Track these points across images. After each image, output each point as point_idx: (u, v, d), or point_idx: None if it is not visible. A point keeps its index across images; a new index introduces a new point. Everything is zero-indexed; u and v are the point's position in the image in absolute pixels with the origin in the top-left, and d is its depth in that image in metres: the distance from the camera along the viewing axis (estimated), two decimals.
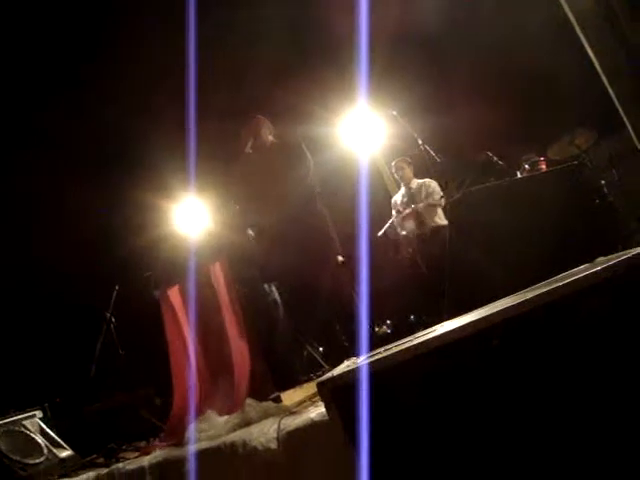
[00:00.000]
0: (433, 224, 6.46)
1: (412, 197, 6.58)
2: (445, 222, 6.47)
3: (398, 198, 6.79)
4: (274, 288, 5.70)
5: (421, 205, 6.47)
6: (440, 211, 6.50)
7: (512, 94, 7.29)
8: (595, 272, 1.56)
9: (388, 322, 6.48)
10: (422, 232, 6.45)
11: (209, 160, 5.87)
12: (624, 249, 2.20)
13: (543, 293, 1.60)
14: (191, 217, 6.25)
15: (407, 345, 1.62)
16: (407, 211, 6.48)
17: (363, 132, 6.45)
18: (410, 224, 6.54)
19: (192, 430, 3.51)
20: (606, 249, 2.35)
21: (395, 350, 1.60)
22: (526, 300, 1.61)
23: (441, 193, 6.51)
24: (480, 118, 6.97)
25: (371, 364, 1.54)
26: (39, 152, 6.99)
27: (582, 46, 3.96)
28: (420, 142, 5.66)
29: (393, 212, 6.77)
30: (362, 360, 1.64)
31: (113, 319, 5.12)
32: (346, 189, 4.80)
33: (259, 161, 4.93)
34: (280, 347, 5.40)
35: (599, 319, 1.49)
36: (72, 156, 7.18)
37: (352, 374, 1.54)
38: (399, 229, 6.65)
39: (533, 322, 1.57)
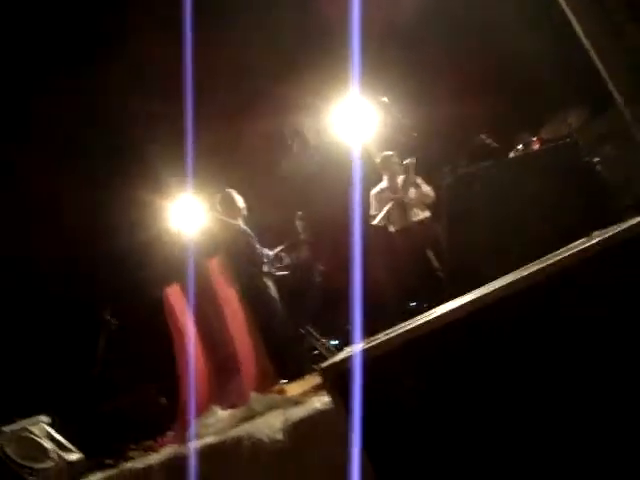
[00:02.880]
0: (415, 217, 6.41)
1: (397, 191, 6.50)
2: (428, 214, 6.45)
3: (380, 190, 6.67)
4: (271, 283, 5.72)
5: (412, 196, 6.42)
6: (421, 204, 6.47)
7: (503, 78, 7.30)
8: (589, 245, 1.57)
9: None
10: (407, 224, 6.40)
11: (206, 156, 5.88)
12: (619, 223, 2.19)
13: (536, 270, 1.60)
14: (186, 214, 6.24)
15: (404, 329, 1.62)
16: (389, 205, 6.43)
17: (355, 120, 6.43)
18: (396, 216, 6.50)
19: (197, 425, 3.53)
20: (602, 224, 2.36)
21: (394, 334, 1.61)
22: (520, 278, 1.62)
23: (430, 190, 6.46)
24: (472, 104, 6.97)
25: (369, 349, 1.55)
26: (32, 146, 6.95)
27: (571, 25, 3.97)
28: (410, 129, 5.65)
29: (373, 202, 6.65)
30: (361, 345, 1.65)
31: (113, 320, 5.13)
32: (339, 178, 4.80)
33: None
34: (281, 340, 5.43)
35: (595, 292, 1.50)
36: (66, 152, 7.14)
37: (352, 359, 1.54)
38: (382, 220, 6.54)
39: (528, 300, 1.58)
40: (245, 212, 5.85)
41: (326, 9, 6.63)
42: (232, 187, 6.00)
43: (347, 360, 1.53)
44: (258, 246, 5.79)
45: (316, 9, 7.10)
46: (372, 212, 6.62)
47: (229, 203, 5.81)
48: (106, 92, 7.25)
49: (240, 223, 5.76)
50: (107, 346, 5.13)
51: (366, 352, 1.54)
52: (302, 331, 5.94)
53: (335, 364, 1.55)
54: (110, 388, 5.32)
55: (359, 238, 4.08)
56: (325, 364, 1.60)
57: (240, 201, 5.85)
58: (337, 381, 1.53)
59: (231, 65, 7.37)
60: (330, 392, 1.57)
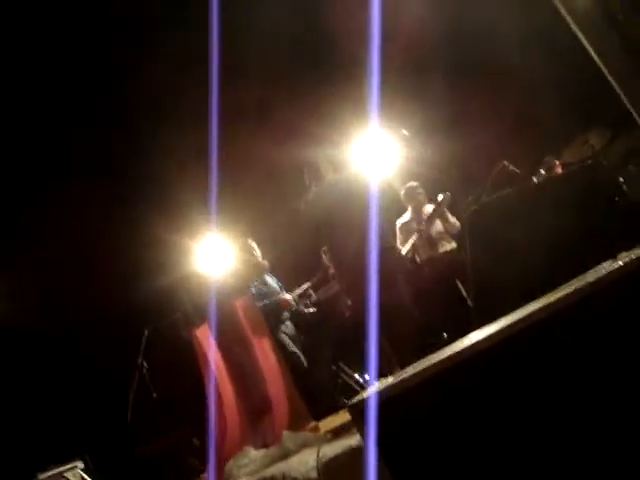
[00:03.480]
0: (442, 248, 6.39)
1: (422, 222, 6.46)
2: (454, 245, 6.40)
3: (406, 222, 6.66)
4: (289, 323, 5.75)
5: (438, 227, 6.41)
6: (447, 235, 6.46)
7: (523, 105, 7.28)
8: (616, 268, 1.55)
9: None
10: (433, 255, 6.38)
11: (231, 197, 5.94)
12: None
13: (559, 298, 1.59)
14: (213, 255, 6.27)
15: (430, 362, 1.61)
16: (415, 236, 6.42)
17: (376, 153, 6.44)
18: (422, 247, 6.48)
19: (231, 467, 3.50)
20: (630, 245, 2.33)
21: (421, 367, 1.59)
22: (542, 307, 1.60)
23: (455, 220, 6.45)
24: (493, 132, 6.98)
25: (394, 385, 1.54)
26: (59, 185, 7.03)
27: (586, 50, 3.97)
28: (432, 160, 5.65)
29: (399, 234, 6.64)
30: (387, 381, 1.64)
31: (145, 363, 5.15)
32: (361, 211, 4.80)
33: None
34: (309, 378, 5.42)
35: (622, 315, 1.48)
36: (93, 192, 7.22)
37: (375, 396, 1.53)
38: (408, 252, 6.52)
39: (554, 327, 1.56)
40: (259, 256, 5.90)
41: (347, 41, 6.70)
42: (252, 224, 6.06)
43: (371, 397, 1.52)
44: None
45: (337, 41, 7.18)
46: (398, 244, 6.59)
47: (246, 250, 5.88)
48: (130, 131, 7.36)
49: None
50: (139, 390, 5.14)
51: (391, 388, 1.53)
52: (334, 367, 5.91)
53: (361, 401, 1.54)
54: (144, 432, 5.32)
55: (377, 271, 4.08)
56: (352, 401, 1.59)
57: (257, 250, 5.92)
58: (363, 418, 1.52)
59: (251, 98, 7.44)
60: (359, 429, 1.56)
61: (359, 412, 1.54)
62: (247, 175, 7.45)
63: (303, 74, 7.48)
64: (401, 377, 1.61)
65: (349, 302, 6.21)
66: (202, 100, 5.53)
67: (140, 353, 5.17)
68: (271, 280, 5.98)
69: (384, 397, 1.55)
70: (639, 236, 3.80)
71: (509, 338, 1.59)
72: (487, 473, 1.53)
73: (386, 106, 5.03)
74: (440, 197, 6.40)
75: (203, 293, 5.93)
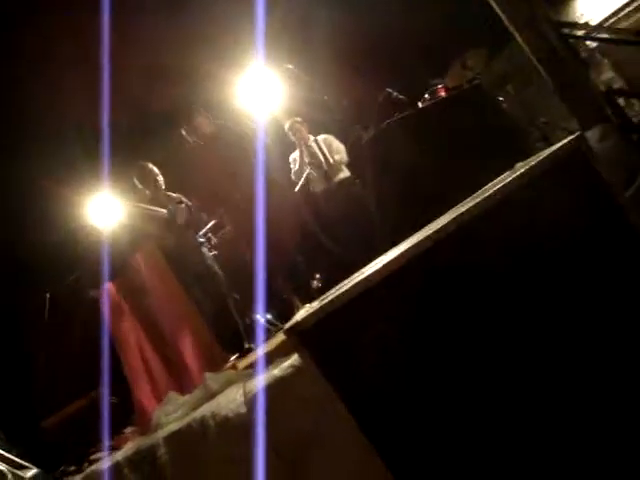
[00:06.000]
0: (337, 179, 6.57)
1: (312, 155, 6.61)
2: (348, 174, 6.60)
3: (297, 156, 6.77)
4: (207, 251, 5.73)
5: (330, 161, 6.54)
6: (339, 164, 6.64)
7: (398, 33, 7.38)
8: (523, 173, 1.65)
9: (317, 276, 6.51)
10: (329, 187, 6.55)
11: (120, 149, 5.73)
12: (532, 154, 2.30)
13: (472, 207, 1.66)
14: (105, 210, 6.05)
15: (358, 279, 1.67)
16: (307, 169, 6.53)
17: (263, 91, 6.38)
18: (316, 179, 6.62)
19: (158, 415, 3.51)
20: (517, 157, 2.47)
21: (350, 285, 1.65)
22: (451, 220, 1.67)
23: (342, 147, 6.63)
24: (374, 62, 7.07)
25: (332, 301, 1.59)
26: None
27: None
28: (319, 91, 5.67)
29: (292, 167, 6.75)
30: (320, 301, 1.69)
31: (49, 327, 4.98)
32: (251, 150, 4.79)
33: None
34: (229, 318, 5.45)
35: (538, 218, 1.58)
36: None
37: (316, 315, 1.59)
38: (303, 185, 6.62)
39: (462, 241, 1.64)
40: (162, 181, 5.75)
41: None
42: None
43: (310, 317, 1.57)
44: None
45: None
46: (293, 178, 6.69)
47: (145, 175, 5.72)
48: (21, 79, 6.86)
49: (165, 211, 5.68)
50: (47, 356, 4.98)
51: (328, 305, 1.58)
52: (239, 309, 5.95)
53: (299, 323, 1.59)
54: (59, 396, 5.20)
55: (264, 208, 4.16)
56: (288, 325, 1.63)
57: (156, 170, 5.75)
58: (303, 340, 1.57)
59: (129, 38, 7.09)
60: (298, 351, 1.60)
61: (298, 334, 1.58)
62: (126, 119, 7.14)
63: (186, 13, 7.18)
64: (325, 301, 1.66)
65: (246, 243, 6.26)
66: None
67: (43, 316, 4.98)
68: None
69: (318, 318, 1.60)
70: (523, 147, 4.05)
71: (417, 256, 1.66)
72: (416, 383, 1.62)
73: (272, 42, 4.97)
74: (322, 136, 6.57)
75: (101, 250, 5.75)
